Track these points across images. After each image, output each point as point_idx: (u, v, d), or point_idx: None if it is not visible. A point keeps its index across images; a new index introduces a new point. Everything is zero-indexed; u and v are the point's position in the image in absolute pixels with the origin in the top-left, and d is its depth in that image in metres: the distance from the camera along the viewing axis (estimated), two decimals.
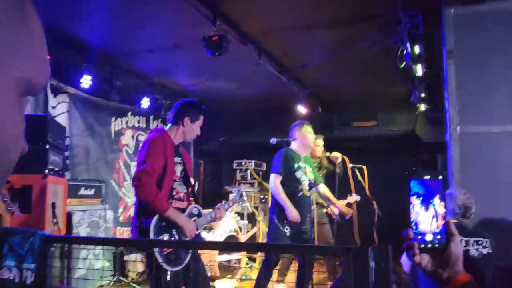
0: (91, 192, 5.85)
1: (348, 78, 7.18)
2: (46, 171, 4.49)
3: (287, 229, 4.38)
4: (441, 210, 1.01)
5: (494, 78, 3.66)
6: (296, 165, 4.60)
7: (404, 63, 4.85)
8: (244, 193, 3.95)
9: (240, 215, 7.37)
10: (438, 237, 1.01)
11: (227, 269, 6.31)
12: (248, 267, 7.01)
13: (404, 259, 3.13)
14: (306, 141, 4.70)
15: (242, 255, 6.37)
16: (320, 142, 5.80)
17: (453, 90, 3.70)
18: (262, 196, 8.50)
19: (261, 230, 8.00)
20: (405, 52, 4.78)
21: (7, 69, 0.46)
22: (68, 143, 6.14)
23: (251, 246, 3.13)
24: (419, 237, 1.01)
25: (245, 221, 7.37)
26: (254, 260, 7.37)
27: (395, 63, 5.23)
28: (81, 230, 5.47)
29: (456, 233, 1.02)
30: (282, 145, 4.79)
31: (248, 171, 8.51)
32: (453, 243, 1.01)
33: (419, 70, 5.46)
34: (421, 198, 1.01)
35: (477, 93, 3.68)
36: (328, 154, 5.72)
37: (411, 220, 1.02)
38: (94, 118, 6.75)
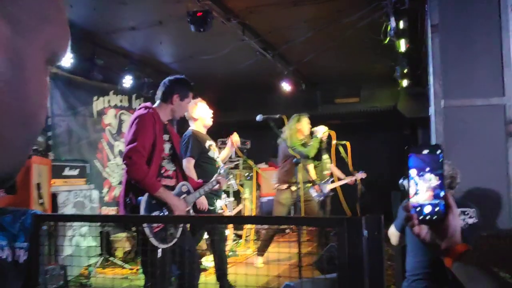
0: (75, 172, 5.81)
1: (332, 55, 7.19)
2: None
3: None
4: (439, 182, 1.04)
5: (477, 52, 3.71)
6: (207, 145, 4.46)
7: (388, 38, 4.87)
8: (229, 170, 3.97)
9: (226, 192, 7.40)
10: (437, 209, 1.04)
11: None
12: (235, 243, 7.10)
13: (391, 231, 3.21)
14: (205, 119, 4.54)
15: (229, 232, 6.43)
16: (307, 120, 5.79)
17: (437, 64, 3.75)
18: (247, 174, 8.55)
19: (247, 207, 8.07)
20: (389, 27, 4.80)
21: (40, 32, 0.46)
22: (50, 123, 6.06)
23: (242, 219, 3.16)
24: (418, 209, 1.04)
25: (231, 199, 7.41)
26: (240, 237, 7.46)
27: (378, 39, 5.25)
28: (67, 210, 5.44)
29: (454, 205, 1.05)
30: (268, 122, 4.80)
31: (233, 149, 8.51)
32: (451, 215, 1.04)
33: (402, 45, 5.50)
34: (420, 171, 1.04)
35: (461, 67, 3.73)
36: (312, 129, 5.74)
37: (411, 192, 1.05)
38: (75, 97, 6.65)
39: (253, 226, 7.13)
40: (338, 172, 6.67)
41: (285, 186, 5.62)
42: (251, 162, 7.58)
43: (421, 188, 1.04)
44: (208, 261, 5.76)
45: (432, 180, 1.04)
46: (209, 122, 4.54)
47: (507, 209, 3.57)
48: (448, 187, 3.02)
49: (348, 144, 6.30)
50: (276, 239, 5.86)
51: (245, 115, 9.49)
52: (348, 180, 6.51)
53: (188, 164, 4.28)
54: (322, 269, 4.42)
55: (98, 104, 7.13)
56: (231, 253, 6.44)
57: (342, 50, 6.94)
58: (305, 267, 4.94)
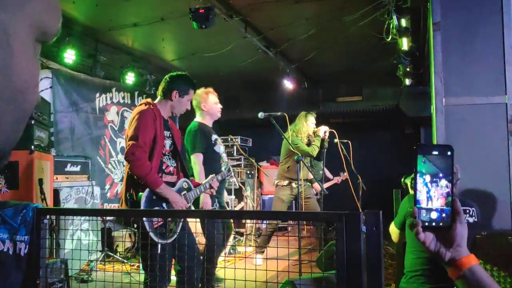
0: (77, 168, 5.82)
1: (334, 53, 7.19)
2: (32, 147, 4.45)
3: (216, 206, 4.14)
4: (447, 187, 0.97)
5: (479, 50, 3.70)
6: (213, 139, 4.25)
7: (391, 36, 4.86)
8: (231, 168, 3.97)
9: (227, 190, 7.42)
10: (443, 215, 0.97)
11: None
12: (236, 241, 7.11)
13: (392, 228, 3.21)
14: (214, 112, 4.33)
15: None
16: (313, 119, 5.81)
17: (439, 62, 3.74)
18: (248, 172, 8.56)
19: (248, 205, 8.09)
20: (391, 25, 4.79)
21: (25, 7, 0.46)
22: (53, 120, 6.08)
23: (241, 213, 3.17)
24: (424, 214, 0.97)
25: (232, 196, 7.43)
26: (241, 234, 7.47)
27: (380, 38, 5.24)
28: (69, 206, 5.45)
29: (462, 212, 0.98)
30: (270, 119, 4.80)
31: (234, 147, 8.54)
32: (458, 222, 0.97)
33: (404, 43, 5.50)
34: (428, 174, 0.97)
35: (462, 65, 3.73)
36: (314, 129, 5.74)
37: (417, 196, 0.98)
38: (78, 94, 6.67)
39: (254, 223, 7.14)
40: (327, 173, 6.85)
41: (286, 182, 5.63)
42: (253, 160, 7.61)
43: (427, 193, 0.97)
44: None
45: (439, 184, 0.97)
46: (218, 115, 4.38)
47: (508, 208, 3.56)
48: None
49: (350, 142, 6.32)
50: (277, 236, 5.87)
51: (247, 113, 9.52)
52: (335, 180, 6.73)
53: (197, 162, 4.09)
54: (322, 266, 4.42)
55: (101, 100, 7.15)
56: (231, 251, 6.46)
57: (344, 48, 6.94)
58: (305, 264, 4.96)
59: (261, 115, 4.74)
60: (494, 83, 3.66)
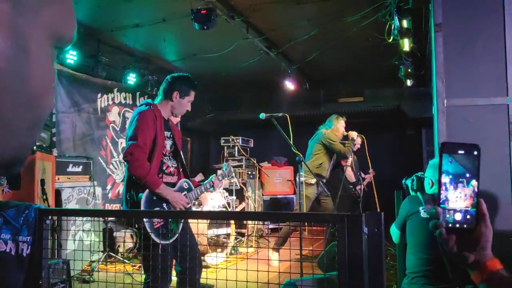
0: (79, 169, 5.83)
1: (335, 54, 7.19)
2: (34, 147, 4.46)
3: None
4: (473, 188, 0.94)
5: (480, 51, 3.70)
6: None
7: (392, 37, 4.87)
8: (232, 168, 3.97)
9: (229, 191, 7.42)
10: (468, 217, 0.94)
11: (216, 244, 6.38)
12: (237, 242, 7.11)
13: (392, 229, 3.21)
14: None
15: (231, 230, 6.45)
16: (343, 122, 5.90)
17: (440, 63, 3.74)
18: (250, 172, 8.56)
19: (249, 206, 8.09)
20: (393, 26, 4.80)
21: (41, 12, 0.45)
22: (55, 120, 6.09)
23: (243, 215, 3.17)
24: (448, 215, 0.94)
25: (234, 197, 7.43)
26: (243, 235, 7.47)
27: (381, 39, 5.24)
28: (70, 207, 5.46)
29: (487, 214, 0.95)
30: (271, 120, 4.80)
31: (236, 148, 8.54)
32: (483, 224, 0.94)
33: (406, 44, 5.50)
34: (453, 174, 0.94)
35: (463, 66, 3.72)
36: (345, 133, 5.86)
37: (441, 197, 0.95)
38: (80, 94, 6.68)
39: (255, 224, 7.14)
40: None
41: (313, 181, 5.63)
42: (254, 161, 7.61)
43: (451, 193, 0.94)
44: (211, 258, 5.78)
45: (465, 184, 0.94)
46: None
47: (509, 208, 3.56)
48: None
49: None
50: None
51: (248, 114, 9.52)
52: (368, 178, 6.92)
53: None
54: (323, 267, 4.42)
55: (102, 101, 7.16)
56: (232, 251, 6.46)
57: (346, 49, 6.95)
58: (308, 265, 4.95)
59: (262, 115, 4.75)
60: (496, 84, 3.65)
